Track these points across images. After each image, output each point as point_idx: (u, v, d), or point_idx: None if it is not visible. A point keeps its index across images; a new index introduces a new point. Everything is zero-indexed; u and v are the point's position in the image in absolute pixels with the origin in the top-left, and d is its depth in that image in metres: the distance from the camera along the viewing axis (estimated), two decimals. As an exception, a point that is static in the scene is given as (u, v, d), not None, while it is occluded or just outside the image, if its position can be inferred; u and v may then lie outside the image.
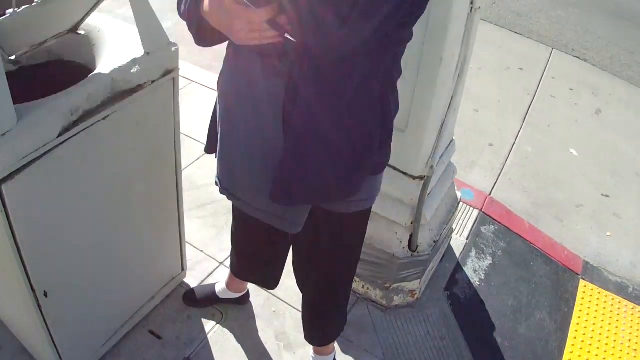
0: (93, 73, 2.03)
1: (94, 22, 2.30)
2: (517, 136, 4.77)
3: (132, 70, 2.07)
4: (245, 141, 1.83)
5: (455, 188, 3.27)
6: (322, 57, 1.55)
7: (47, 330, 2.25)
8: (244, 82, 1.75)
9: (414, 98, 2.51)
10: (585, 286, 3.47)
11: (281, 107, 1.66)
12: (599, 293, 3.45)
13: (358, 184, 1.86)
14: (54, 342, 2.31)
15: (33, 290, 2.07)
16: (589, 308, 3.34)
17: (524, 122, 4.96)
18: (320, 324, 2.58)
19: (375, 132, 1.79)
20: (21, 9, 1.93)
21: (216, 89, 1.92)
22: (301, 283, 2.42)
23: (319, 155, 1.74)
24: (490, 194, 4.04)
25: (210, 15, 1.58)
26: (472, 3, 2.45)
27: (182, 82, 4.06)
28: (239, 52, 1.72)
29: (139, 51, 2.13)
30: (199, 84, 4.54)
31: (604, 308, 3.36)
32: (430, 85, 2.45)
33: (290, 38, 1.49)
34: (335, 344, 2.78)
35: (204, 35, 1.69)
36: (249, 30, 1.50)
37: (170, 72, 2.23)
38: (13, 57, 2.10)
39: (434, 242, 2.96)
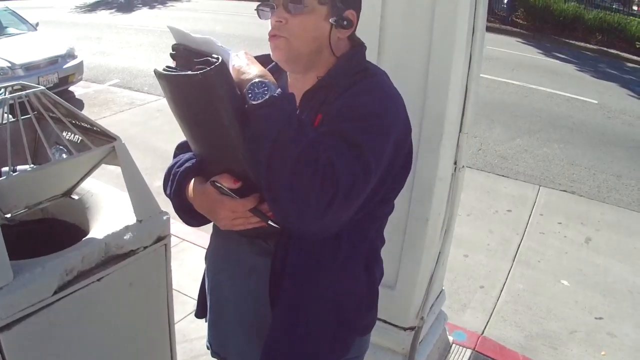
0: (87, 237, 2.09)
1: (88, 186, 2.38)
2: (507, 276, 5.02)
3: (124, 237, 2.14)
4: (234, 311, 1.89)
5: (447, 332, 3.47)
6: (305, 238, 1.61)
7: None
8: (231, 258, 1.83)
9: (402, 256, 2.68)
10: (583, 408, 3.65)
11: (267, 281, 1.71)
12: (597, 412, 3.62)
13: (347, 347, 1.88)
14: None
15: None
16: None
17: (514, 261, 5.24)
18: None
19: (362, 300, 1.84)
20: (17, 171, 1.99)
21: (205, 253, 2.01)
22: None
23: (306, 323, 1.76)
24: (482, 333, 4.25)
25: (195, 202, 1.66)
26: (455, 163, 2.68)
27: (173, 240, 3.95)
28: (225, 231, 1.73)
29: (131, 218, 2.20)
30: (190, 242, 4.85)
31: None
32: (418, 244, 2.62)
33: (274, 224, 1.54)
34: None
35: (190, 217, 1.76)
36: (233, 217, 1.58)
37: (162, 239, 2.29)
38: (9, 215, 2.11)
39: (427, 384, 3.11)
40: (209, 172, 1.61)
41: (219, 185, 1.55)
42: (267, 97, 1.44)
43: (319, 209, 1.42)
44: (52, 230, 2.38)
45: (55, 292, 1.93)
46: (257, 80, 1.46)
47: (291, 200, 1.43)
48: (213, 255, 1.97)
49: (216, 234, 1.92)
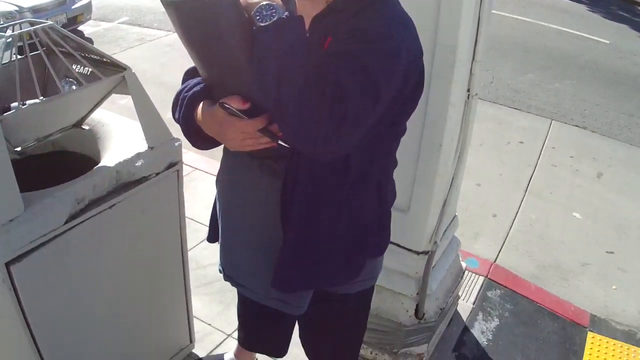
0: (98, 165, 2.11)
1: (98, 116, 2.40)
2: (519, 206, 4.97)
3: (136, 164, 2.16)
4: (245, 232, 1.91)
5: (460, 258, 3.42)
6: (315, 160, 1.61)
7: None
8: (241, 180, 1.84)
9: (415, 181, 2.64)
10: (593, 337, 3.61)
11: (279, 204, 1.72)
12: (607, 342, 3.58)
13: (358, 268, 1.91)
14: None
15: (44, 365, 2.09)
16: (597, 357, 3.47)
17: (526, 191, 5.18)
18: None
19: (372, 222, 1.87)
20: (26, 104, 1.99)
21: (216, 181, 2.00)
22: (309, 355, 2.48)
23: (318, 245, 1.79)
24: (495, 261, 4.22)
25: (204, 124, 1.64)
26: (468, 90, 2.61)
27: (185, 169, 3.94)
28: (235, 153, 1.75)
29: (142, 146, 2.22)
30: (202, 170, 4.80)
31: (613, 356, 3.49)
32: (431, 169, 2.58)
33: (284, 144, 1.53)
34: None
35: (199, 141, 1.76)
36: (242, 138, 1.56)
37: (174, 165, 2.32)
38: (19, 149, 2.16)
39: (440, 309, 3.08)
40: (217, 96, 1.58)
41: (228, 106, 1.53)
42: (275, 18, 1.41)
43: (328, 130, 1.42)
44: (63, 163, 2.37)
45: (67, 222, 1.94)
46: (264, 3, 1.43)
47: (300, 122, 1.42)
48: (223, 179, 1.96)
49: (226, 157, 1.91)
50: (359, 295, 2.11)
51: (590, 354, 3.48)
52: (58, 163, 2.37)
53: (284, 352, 2.54)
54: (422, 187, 2.65)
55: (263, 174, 1.75)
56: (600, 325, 3.73)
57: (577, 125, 6.41)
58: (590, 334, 3.63)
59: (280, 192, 1.71)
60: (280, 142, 1.52)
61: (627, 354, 3.51)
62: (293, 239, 1.76)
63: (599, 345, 3.56)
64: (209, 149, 1.80)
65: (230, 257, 2.03)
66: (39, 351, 2.04)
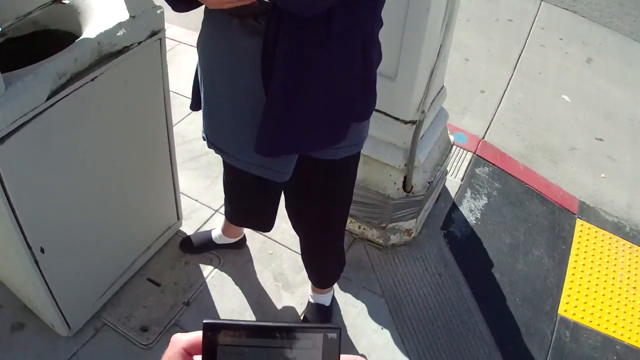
0: (79, 39, 2.03)
1: None
2: (508, 83, 4.75)
3: (118, 34, 2.08)
4: (227, 97, 1.85)
5: (448, 132, 3.26)
6: (298, 15, 1.54)
7: (46, 285, 2.26)
8: (221, 41, 1.76)
9: (402, 47, 2.49)
10: (582, 225, 3.48)
11: (259, 64, 1.66)
12: (596, 232, 3.45)
13: (343, 132, 1.86)
14: (53, 296, 2.33)
15: (29, 248, 2.09)
16: (586, 246, 3.34)
17: (514, 70, 4.94)
18: (320, 265, 2.60)
19: (356, 82, 1.79)
20: None
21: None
22: (295, 226, 2.42)
23: (300, 107, 1.74)
24: (483, 137, 4.03)
25: None
26: None
27: (169, 44, 4.07)
28: (215, 13, 1.71)
29: (124, 15, 2.13)
30: (187, 44, 4.52)
31: (602, 247, 3.36)
32: (418, 35, 2.43)
33: None
34: (334, 283, 2.78)
35: (180, 2, 1.69)
36: None
37: (156, 33, 2.24)
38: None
39: (428, 182, 2.96)
40: None
41: None
42: None
43: None
44: (46, 42, 2.23)
45: (49, 98, 1.91)
46: None
47: None
48: (204, 42, 1.89)
49: (207, 19, 1.83)
50: (344, 162, 2.03)
51: (579, 242, 3.36)
52: (41, 43, 2.25)
53: (269, 226, 2.57)
54: (409, 53, 2.51)
55: (243, 34, 1.68)
56: (589, 213, 3.60)
57: (566, 9, 6.11)
58: (579, 222, 3.51)
59: (260, 50, 1.64)
60: None
61: (616, 246, 3.41)
62: (275, 102, 1.71)
63: (588, 234, 3.44)
64: (188, 10, 1.72)
65: (212, 123, 1.98)
66: (24, 236, 2.06)
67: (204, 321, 0.59)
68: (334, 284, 2.70)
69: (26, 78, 1.83)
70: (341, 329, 0.60)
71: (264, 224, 2.59)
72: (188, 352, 0.61)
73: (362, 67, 1.77)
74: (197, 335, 0.61)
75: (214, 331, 0.59)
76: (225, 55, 1.78)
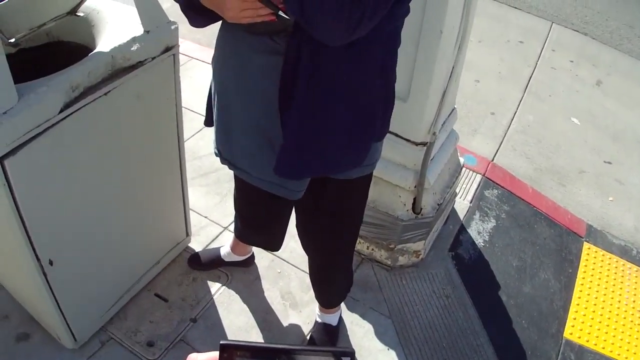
0: (93, 52, 2.04)
1: (93, 3, 2.30)
2: (518, 105, 4.75)
3: (132, 48, 2.09)
4: (242, 115, 1.84)
5: (458, 154, 3.27)
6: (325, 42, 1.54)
7: (54, 297, 2.27)
8: (237, 58, 1.76)
9: (415, 68, 2.51)
10: (589, 248, 3.47)
11: (277, 83, 1.65)
12: (603, 255, 3.44)
13: (363, 152, 1.87)
14: (60, 308, 2.33)
15: (38, 260, 2.10)
16: (593, 269, 3.33)
17: (525, 92, 4.94)
18: (327, 285, 2.59)
19: (378, 101, 1.80)
20: None
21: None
22: (305, 245, 2.41)
23: (321, 128, 1.74)
24: (492, 159, 4.03)
25: None
26: None
27: (182, 59, 4.09)
28: (232, 30, 1.72)
29: (138, 30, 2.15)
30: (199, 60, 4.54)
31: (608, 270, 3.36)
32: (431, 57, 2.45)
33: (284, 15, 1.48)
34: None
35: (197, 15, 1.70)
36: (241, 8, 1.51)
37: (170, 49, 2.26)
38: (12, 40, 2.10)
39: (438, 205, 2.96)
40: None
41: None
42: None
43: (349, 26, 1.43)
44: (59, 54, 2.28)
45: (61, 110, 1.91)
46: None
47: (322, 21, 1.43)
48: (219, 57, 1.87)
49: (222, 36, 1.83)
50: (358, 181, 2.02)
51: (586, 265, 3.35)
52: (54, 54, 2.29)
53: (278, 245, 2.59)
54: (422, 74, 2.53)
55: (260, 50, 1.67)
56: (597, 236, 3.58)
57: (577, 31, 6.13)
58: (586, 245, 3.50)
59: (279, 71, 1.63)
60: (280, 13, 1.48)
61: (623, 270, 3.39)
62: (294, 122, 1.69)
63: (595, 257, 3.42)
64: (206, 25, 1.74)
65: (226, 138, 1.95)
66: (33, 248, 2.05)
67: (221, 342, 0.60)
68: (340, 303, 2.69)
69: (39, 90, 1.84)
70: (354, 353, 0.61)
71: (273, 242, 2.60)
72: None
73: (384, 85, 1.78)
74: (213, 356, 0.62)
75: (230, 352, 0.60)
76: (240, 73, 1.77)
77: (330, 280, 2.56)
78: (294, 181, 1.89)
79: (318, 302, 2.67)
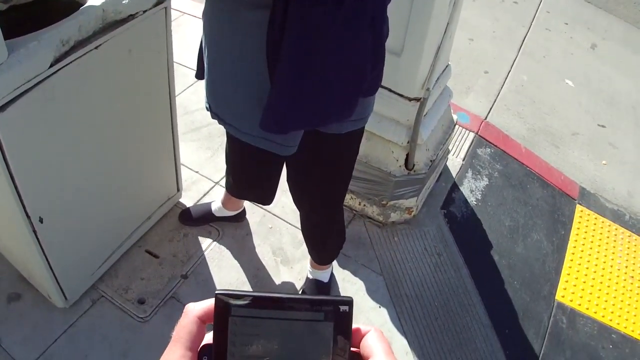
0: (84, 6, 2.01)
1: None
2: (512, 65, 4.71)
3: (123, 1, 2.06)
4: (231, 68, 1.82)
5: (452, 111, 3.24)
6: None
7: (44, 255, 2.25)
8: (226, 12, 1.73)
9: (409, 24, 2.48)
10: (582, 211, 3.46)
11: (265, 37, 1.63)
12: (596, 219, 3.44)
13: (352, 106, 1.84)
14: (50, 267, 2.32)
15: (28, 217, 2.08)
16: (585, 233, 3.33)
17: (519, 52, 4.90)
18: (320, 241, 2.58)
19: (366, 56, 1.77)
20: None
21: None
22: (296, 200, 2.40)
23: (309, 79, 1.71)
24: (486, 118, 4.00)
25: None
26: None
27: (174, 14, 4.03)
28: None
29: None
30: (191, 15, 4.48)
31: (601, 234, 3.36)
32: (426, 12, 2.41)
33: None
34: (333, 259, 2.77)
35: None
36: None
37: (162, 2, 2.21)
38: None
39: (431, 161, 2.94)
40: None
41: None
42: None
43: None
44: (50, 10, 2.15)
45: (52, 65, 1.88)
46: None
47: None
48: (208, 11, 1.83)
49: None
50: (348, 136, 2.02)
51: (578, 228, 3.35)
52: (44, 10, 2.18)
53: (270, 199, 2.51)
54: (416, 29, 2.49)
55: (250, 5, 1.64)
56: (589, 199, 3.58)
57: (572, -7, 6.09)
58: (579, 207, 3.49)
59: (266, 23, 1.60)
60: None
61: (615, 234, 3.40)
62: (282, 75, 1.66)
63: (587, 220, 3.42)
64: None
65: (216, 93, 1.94)
66: (23, 206, 2.04)
67: (216, 291, 0.59)
68: (333, 260, 2.69)
69: (29, 45, 1.80)
70: (352, 302, 0.60)
71: (265, 197, 2.55)
72: (202, 320, 0.61)
73: (372, 39, 1.74)
74: (210, 304, 0.60)
75: (226, 301, 0.58)
76: (229, 27, 1.74)
77: (322, 236, 2.55)
78: (282, 135, 1.87)
79: (311, 258, 2.66)
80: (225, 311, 0.58)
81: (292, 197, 2.38)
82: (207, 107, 2.00)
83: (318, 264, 2.66)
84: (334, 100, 1.78)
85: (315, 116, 1.81)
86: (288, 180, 2.31)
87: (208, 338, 0.61)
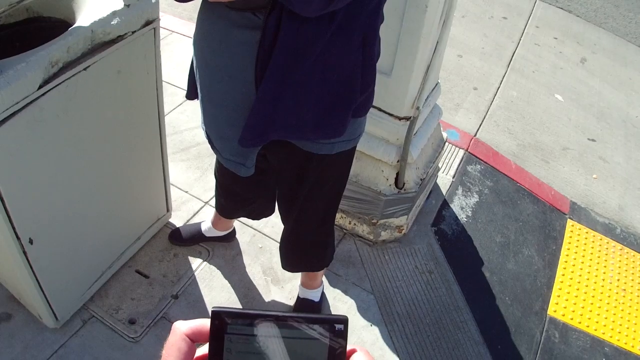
0: (73, 27, 2.00)
1: None
2: (501, 81, 4.73)
3: (112, 22, 2.06)
4: (220, 90, 1.83)
5: (441, 129, 3.24)
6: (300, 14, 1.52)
7: (34, 276, 2.24)
8: (217, 33, 1.73)
9: (399, 43, 2.48)
10: (572, 225, 3.46)
11: (255, 56, 1.64)
12: (587, 233, 3.44)
13: (340, 126, 1.84)
14: (41, 287, 2.31)
15: (18, 238, 2.07)
16: (576, 247, 3.33)
17: (508, 67, 4.92)
18: (300, 256, 2.53)
19: (356, 77, 1.77)
20: None
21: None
22: (283, 217, 2.38)
23: (294, 98, 1.72)
24: (475, 135, 4.01)
25: None
26: None
27: (163, 33, 4.04)
28: (213, 6, 1.69)
29: (119, 4, 2.11)
30: (180, 34, 4.47)
31: (592, 248, 3.36)
32: (416, 32, 2.42)
33: None
34: (324, 278, 2.77)
35: None
36: None
37: (151, 23, 2.22)
38: None
39: (421, 179, 2.94)
40: None
41: None
42: None
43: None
44: (39, 30, 2.23)
45: (41, 87, 1.88)
46: None
47: None
48: (200, 32, 1.84)
49: (203, 11, 1.80)
50: (339, 157, 2.01)
51: (569, 242, 3.34)
52: (34, 31, 2.23)
53: (264, 214, 2.61)
54: (406, 49, 2.50)
55: (241, 26, 1.64)
56: (580, 213, 3.58)
57: (561, 8, 6.11)
58: (570, 222, 3.49)
59: (256, 44, 1.62)
60: None
61: (607, 248, 3.40)
62: (267, 91, 1.68)
63: (579, 234, 3.42)
64: (189, 0, 1.69)
65: (206, 113, 1.96)
66: (13, 227, 2.03)
67: (213, 308, 0.60)
68: (319, 272, 2.62)
69: (18, 66, 1.79)
70: (348, 320, 0.61)
71: (255, 213, 2.60)
72: (190, 339, 0.61)
73: (361, 61, 1.75)
74: (199, 323, 0.61)
75: (222, 319, 0.59)
76: (220, 44, 1.74)
77: (302, 252, 2.51)
78: (243, 156, 1.92)
79: (285, 267, 2.59)
80: (221, 328, 0.59)
81: (280, 212, 2.38)
82: (202, 127, 2.03)
83: (302, 281, 2.66)
84: (320, 117, 1.78)
85: (298, 128, 1.81)
86: (277, 197, 2.32)
87: (197, 356, 0.61)
